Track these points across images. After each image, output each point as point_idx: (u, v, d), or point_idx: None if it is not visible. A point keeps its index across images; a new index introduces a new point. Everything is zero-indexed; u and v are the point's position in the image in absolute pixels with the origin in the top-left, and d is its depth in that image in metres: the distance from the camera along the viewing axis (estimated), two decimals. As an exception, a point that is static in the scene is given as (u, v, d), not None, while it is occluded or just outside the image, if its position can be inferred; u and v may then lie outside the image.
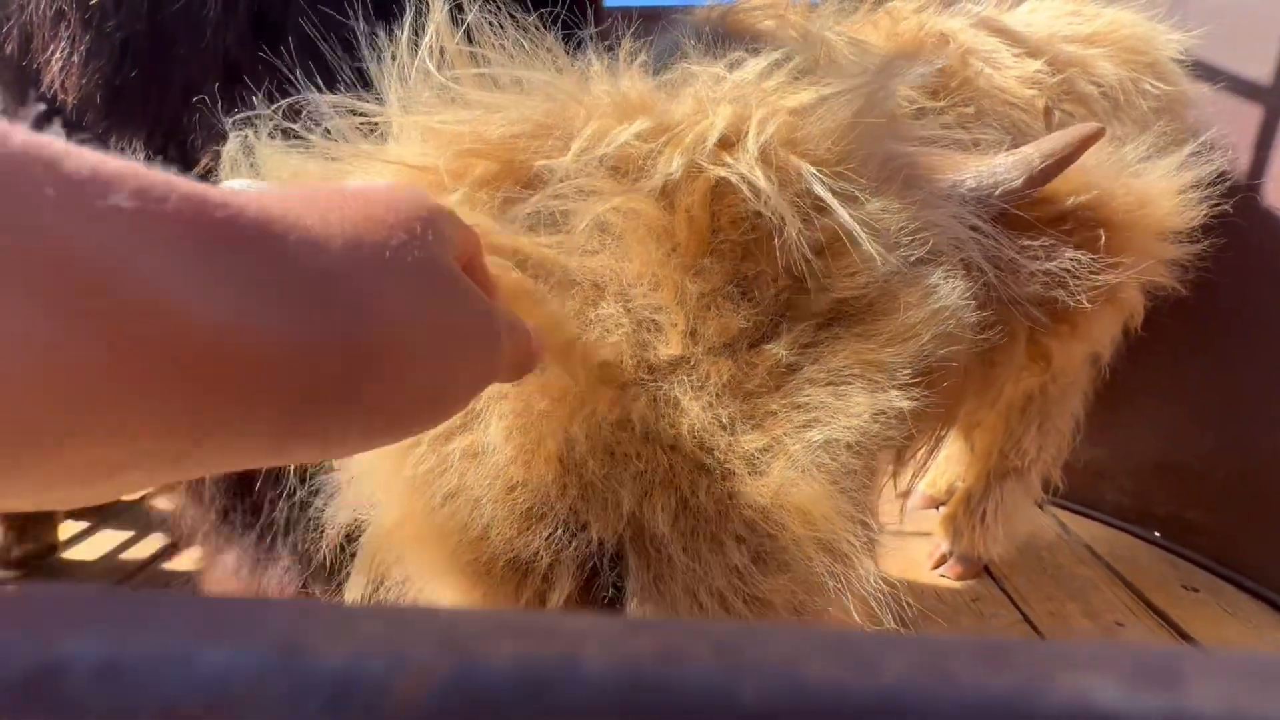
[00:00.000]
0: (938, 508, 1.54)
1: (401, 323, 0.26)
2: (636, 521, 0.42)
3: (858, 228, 0.44)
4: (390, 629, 0.12)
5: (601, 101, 0.47)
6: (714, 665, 0.11)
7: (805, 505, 0.41)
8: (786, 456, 0.42)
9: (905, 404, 0.44)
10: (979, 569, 1.40)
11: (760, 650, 0.12)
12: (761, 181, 0.44)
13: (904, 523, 1.60)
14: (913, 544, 1.49)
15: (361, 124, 0.48)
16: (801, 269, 0.45)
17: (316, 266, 0.24)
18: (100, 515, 1.50)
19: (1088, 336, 0.74)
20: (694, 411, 0.42)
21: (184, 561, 1.31)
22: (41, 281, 0.18)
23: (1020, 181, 0.55)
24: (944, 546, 1.43)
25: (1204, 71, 1.24)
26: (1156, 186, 0.69)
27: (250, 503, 0.77)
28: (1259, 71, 1.27)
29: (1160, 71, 1.15)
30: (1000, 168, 0.55)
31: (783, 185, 0.45)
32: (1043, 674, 0.11)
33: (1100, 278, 0.60)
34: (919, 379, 0.46)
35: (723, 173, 0.44)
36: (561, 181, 0.45)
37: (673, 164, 0.44)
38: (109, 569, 1.36)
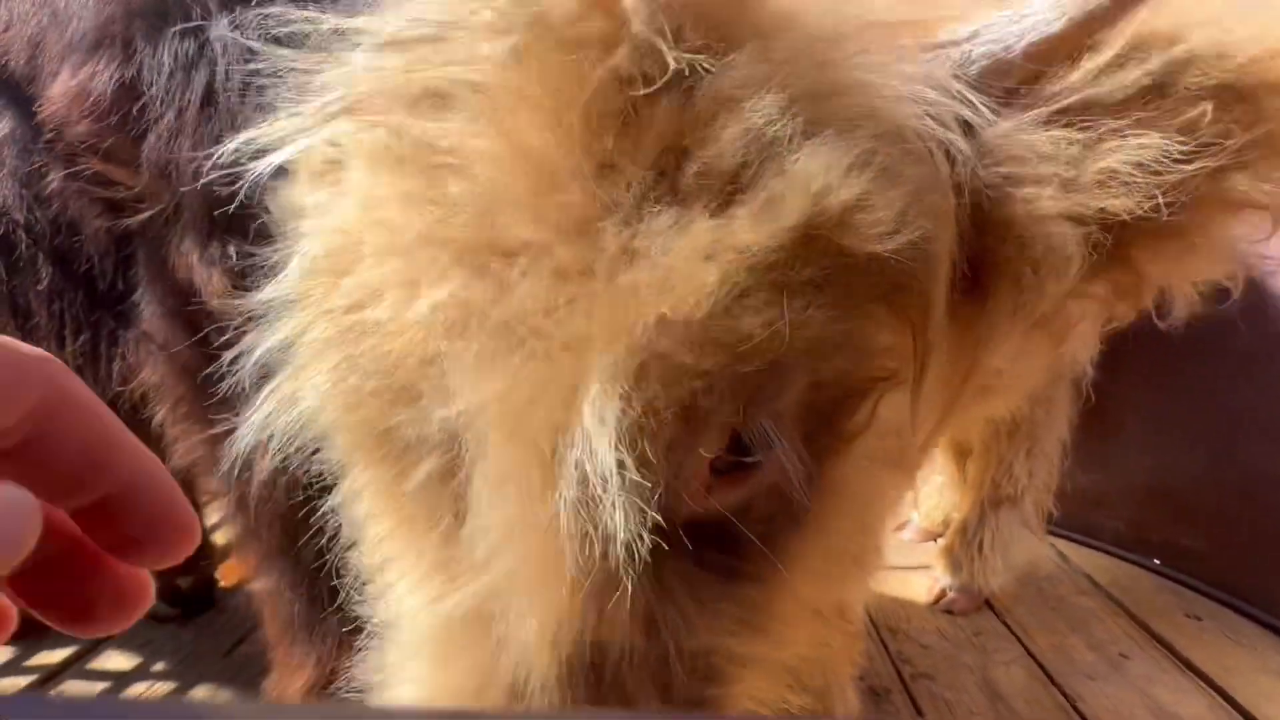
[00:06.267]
0: (934, 540, 1.52)
1: None
2: None
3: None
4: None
5: None
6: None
7: None
8: None
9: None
10: (980, 602, 1.38)
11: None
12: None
13: (903, 557, 1.58)
14: (912, 578, 1.46)
15: None
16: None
17: None
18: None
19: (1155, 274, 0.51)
20: None
21: (115, 660, 1.17)
22: None
23: (1061, 25, 0.38)
24: (942, 580, 1.40)
25: None
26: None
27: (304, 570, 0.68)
28: None
29: None
30: (1028, 11, 0.39)
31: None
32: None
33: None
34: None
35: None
36: None
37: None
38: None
